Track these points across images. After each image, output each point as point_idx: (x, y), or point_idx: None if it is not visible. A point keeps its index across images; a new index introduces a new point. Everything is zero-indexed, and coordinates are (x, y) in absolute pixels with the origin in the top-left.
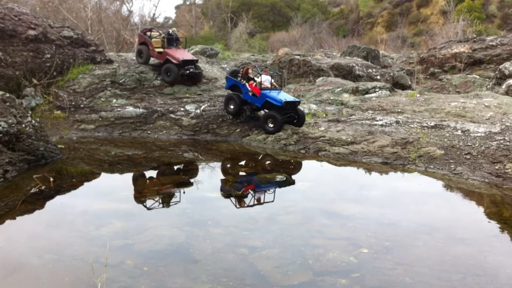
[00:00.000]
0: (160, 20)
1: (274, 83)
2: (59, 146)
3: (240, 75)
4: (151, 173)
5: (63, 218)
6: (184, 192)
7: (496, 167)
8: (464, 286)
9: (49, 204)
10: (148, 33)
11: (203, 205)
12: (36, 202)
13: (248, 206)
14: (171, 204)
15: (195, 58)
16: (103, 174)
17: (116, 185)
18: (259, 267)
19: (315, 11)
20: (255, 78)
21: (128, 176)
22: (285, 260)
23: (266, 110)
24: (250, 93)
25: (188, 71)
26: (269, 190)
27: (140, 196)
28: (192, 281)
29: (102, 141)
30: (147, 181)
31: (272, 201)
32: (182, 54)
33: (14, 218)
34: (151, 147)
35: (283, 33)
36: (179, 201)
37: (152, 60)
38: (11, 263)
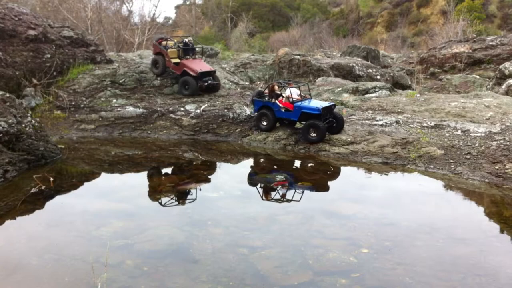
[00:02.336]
0: (160, 20)
1: (301, 93)
2: (59, 146)
3: (266, 94)
4: (153, 173)
5: (63, 218)
6: (200, 189)
7: (496, 167)
8: (464, 286)
9: (49, 204)
10: (164, 43)
11: (203, 205)
12: (36, 202)
13: (272, 200)
14: (181, 203)
15: (212, 69)
16: (103, 174)
17: (116, 185)
18: (259, 267)
19: (315, 11)
20: (283, 94)
21: (128, 176)
22: (285, 260)
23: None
24: (283, 110)
25: (206, 83)
26: (298, 190)
27: (141, 196)
28: (192, 281)
29: (102, 141)
30: (154, 180)
31: (298, 201)
32: (199, 65)
33: (14, 218)
34: (151, 147)
35: (283, 33)
36: (193, 200)
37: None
38: (11, 263)
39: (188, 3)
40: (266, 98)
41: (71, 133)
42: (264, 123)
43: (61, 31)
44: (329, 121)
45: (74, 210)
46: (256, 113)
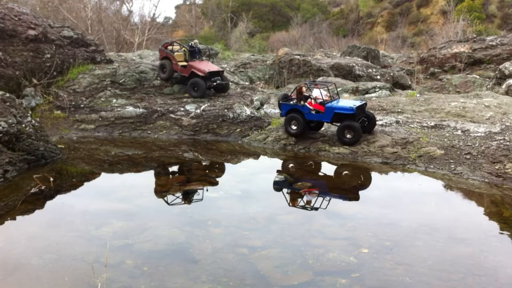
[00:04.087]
0: (160, 20)
1: (328, 94)
2: (59, 146)
3: (293, 97)
4: (156, 173)
5: (63, 218)
6: (207, 190)
7: (496, 167)
8: (464, 286)
9: (49, 204)
10: (170, 47)
11: (203, 205)
12: (36, 202)
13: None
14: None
15: (220, 69)
16: (103, 174)
17: (116, 185)
18: (259, 267)
19: (315, 11)
20: (311, 96)
21: (128, 176)
22: (285, 260)
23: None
24: (313, 112)
25: (215, 83)
26: (326, 197)
27: (141, 196)
28: (192, 281)
29: (102, 141)
30: (161, 179)
31: (325, 209)
32: (206, 66)
33: (14, 218)
34: (151, 147)
35: (283, 33)
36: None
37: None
38: (11, 263)
39: (188, 3)
40: (294, 101)
41: (71, 133)
42: (294, 127)
43: (61, 31)
44: (362, 121)
45: (74, 210)
46: (284, 117)
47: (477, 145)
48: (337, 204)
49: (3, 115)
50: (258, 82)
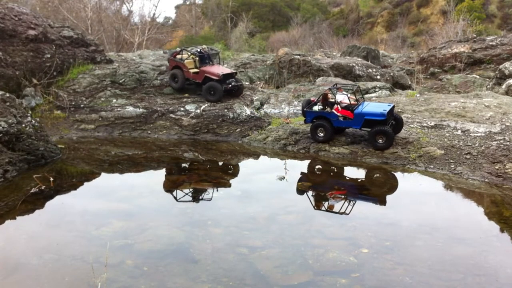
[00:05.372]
0: (160, 20)
1: (351, 97)
2: (59, 146)
3: (317, 104)
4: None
5: (63, 218)
6: (217, 190)
7: (496, 167)
8: (464, 286)
9: (49, 204)
10: (178, 56)
11: (203, 205)
12: (36, 202)
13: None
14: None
15: (233, 71)
16: (103, 174)
17: (116, 185)
18: (259, 267)
19: (315, 11)
20: (336, 101)
21: (128, 176)
22: (285, 260)
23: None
24: (341, 118)
25: (230, 85)
26: (352, 202)
27: (142, 196)
28: (192, 281)
29: (102, 141)
30: (171, 177)
31: (347, 214)
32: (219, 69)
33: (14, 218)
34: (151, 147)
35: (283, 33)
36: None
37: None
38: (11, 263)
39: (188, 3)
40: (319, 107)
41: (71, 133)
42: (321, 135)
43: (61, 31)
44: (391, 124)
45: (74, 210)
46: (309, 124)
47: (477, 145)
48: (337, 204)
49: (3, 115)
50: (258, 82)
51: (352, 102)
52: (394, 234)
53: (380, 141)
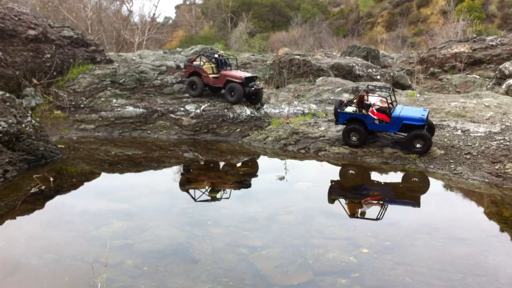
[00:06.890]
0: (160, 20)
1: (385, 99)
2: (59, 146)
3: (352, 105)
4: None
5: (63, 218)
6: (223, 190)
7: (496, 167)
8: (464, 286)
9: (49, 204)
10: (195, 62)
11: (203, 205)
12: (36, 202)
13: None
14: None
15: (254, 75)
16: (103, 174)
17: (116, 185)
18: (259, 267)
19: (315, 11)
20: (371, 104)
21: (128, 176)
22: (285, 260)
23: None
24: (377, 121)
25: (252, 88)
26: (384, 207)
27: (142, 196)
28: (192, 281)
29: (102, 141)
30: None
31: (376, 220)
32: (240, 73)
33: (14, 218)
34: (151, 147)
35: (283, 33)
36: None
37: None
38: (11, 263)
39: (188, 3)
40: (353, 109)
41: (71, 133)
42: (354, 138)
43: (61, 31)
44: (426, 129)
45: (74, 210)
46: (342, 126)
47: (477, 145)
48: (337, 204)
49: (3, 115)
50: (258, 82)
51: (381, 104)
52: (394, 234)
53: (418, 145)
